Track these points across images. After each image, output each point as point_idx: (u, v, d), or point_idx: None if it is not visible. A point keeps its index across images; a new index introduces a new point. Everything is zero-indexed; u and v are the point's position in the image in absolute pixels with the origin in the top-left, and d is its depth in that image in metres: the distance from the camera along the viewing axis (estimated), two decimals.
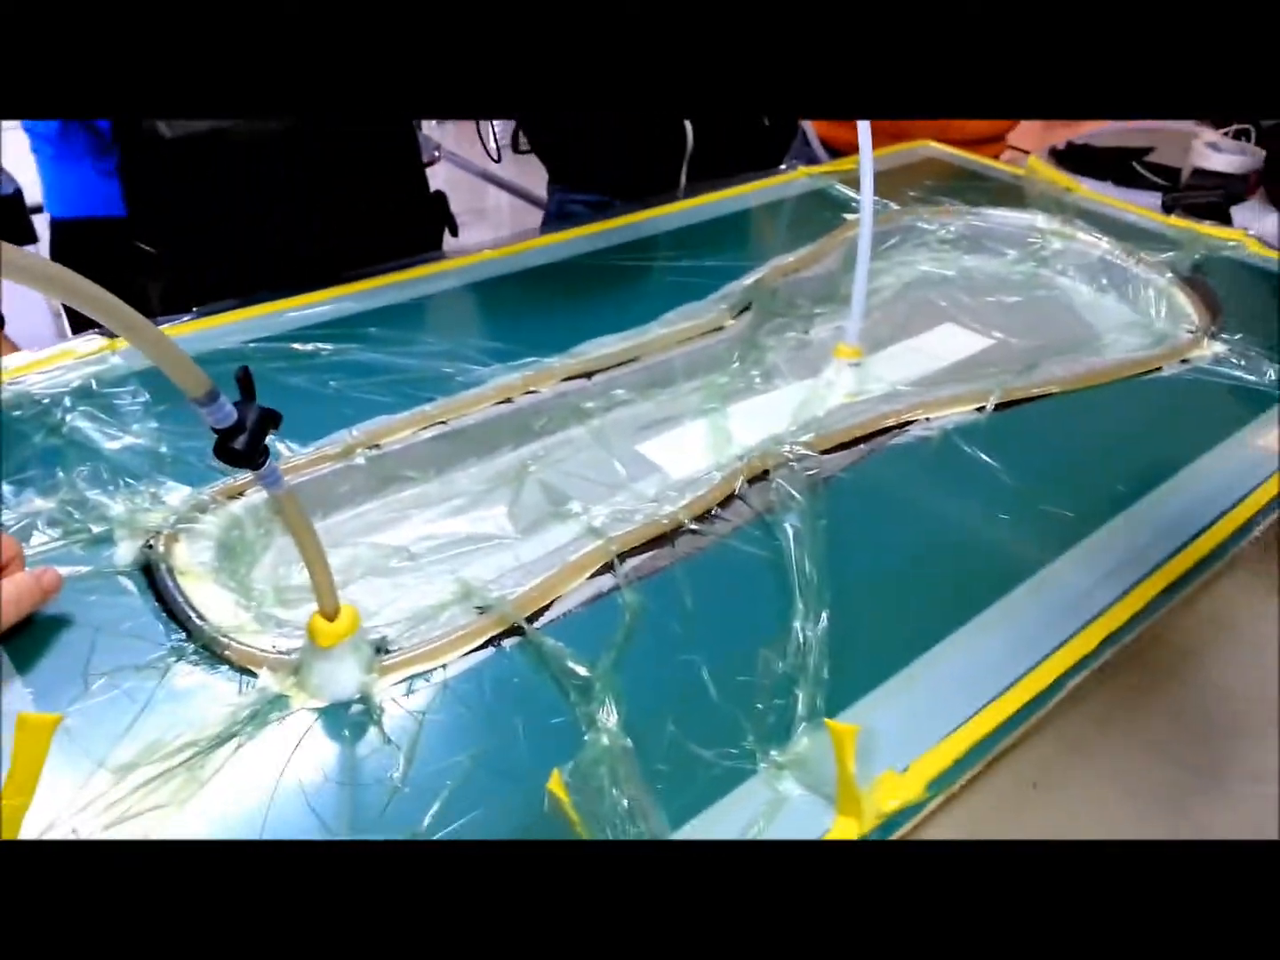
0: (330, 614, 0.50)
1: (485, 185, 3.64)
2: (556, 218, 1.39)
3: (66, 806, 0.44)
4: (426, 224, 1.16)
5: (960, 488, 0.69)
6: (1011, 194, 1.15)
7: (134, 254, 1.05)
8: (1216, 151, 1.42)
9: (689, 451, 0.78)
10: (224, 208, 0.95)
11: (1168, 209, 1.22)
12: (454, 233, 1.17)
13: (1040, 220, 1.07)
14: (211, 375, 0.76)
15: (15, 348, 1.01)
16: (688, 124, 1.25)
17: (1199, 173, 1.31)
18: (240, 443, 0.41)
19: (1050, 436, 0.75)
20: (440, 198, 1.16)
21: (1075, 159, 1.42)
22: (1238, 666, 0.61)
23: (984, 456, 0.71)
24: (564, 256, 0.98)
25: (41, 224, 1.59)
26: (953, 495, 0.68)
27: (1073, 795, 0.52)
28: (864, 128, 0.76)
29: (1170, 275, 0.96)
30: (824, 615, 0.55)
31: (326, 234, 1.02)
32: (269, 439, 0.43)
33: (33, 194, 2.23)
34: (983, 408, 0.76)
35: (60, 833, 0.43)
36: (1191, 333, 0.88)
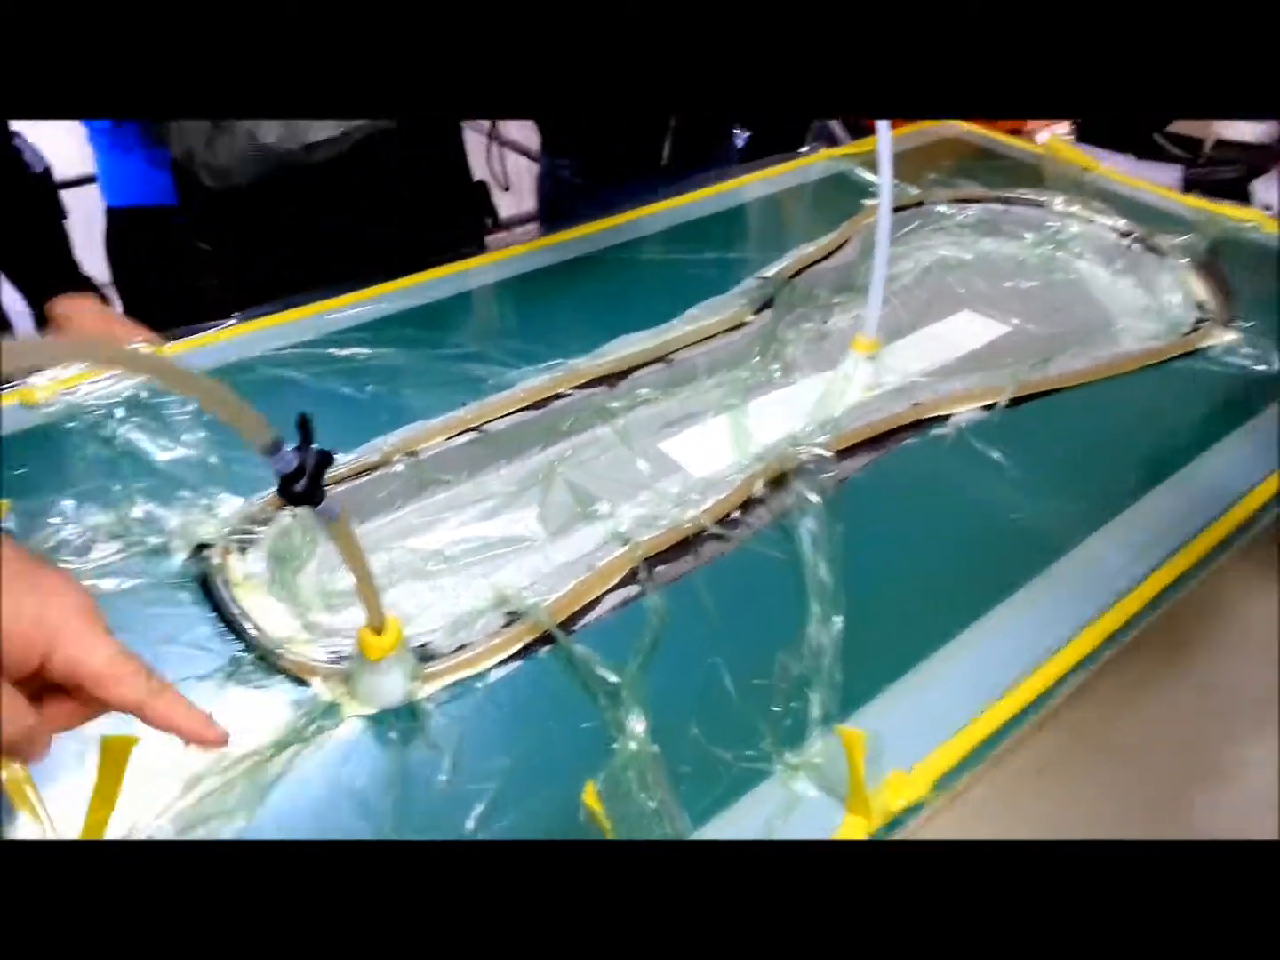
0: (378, 628, 0.53)
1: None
2: (548, 178, 1.42)
3: (142, 815, 0.48)
4: (469, 214, 1.18)
5: (971, 488, 0.71)
6: (1030, 173, 1.16)
7: (190, 249, 1.09)
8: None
9: (710, 449, 0.81)
10: (276, 206, 0.97)
11: (1188, 185, 1.22)
12: (495, 222, 1.20)
13: (1058, 203, 1.08)
14: (256, 381, 0.80)
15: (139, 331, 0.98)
16: None
17: (1221, 144, 1.31)
18: (301, 486, 0.44)
19: (1061, 433, 0.77)
20: (482, 188, 1.18)
21: (1096, 129, 1.42)
22: (1240, 657, 0.64)
23: (995, 455, 0.74)
24: (589, 251, 1.00)
25: (98, 211, 1.61)
26: (963, 496, 0.71)
27: (1076, 783, 0.55)
28: (884, 133, 0.77)
29: (1185, 260, 0.97)
30: (838, 619, 0.59)
31: (374, 226, 1.04)
32: None
33: (62, 171, 2.26)
34: (994, 404, 0.78)
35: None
36: (1203, 321, 0.89)
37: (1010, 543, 0.67)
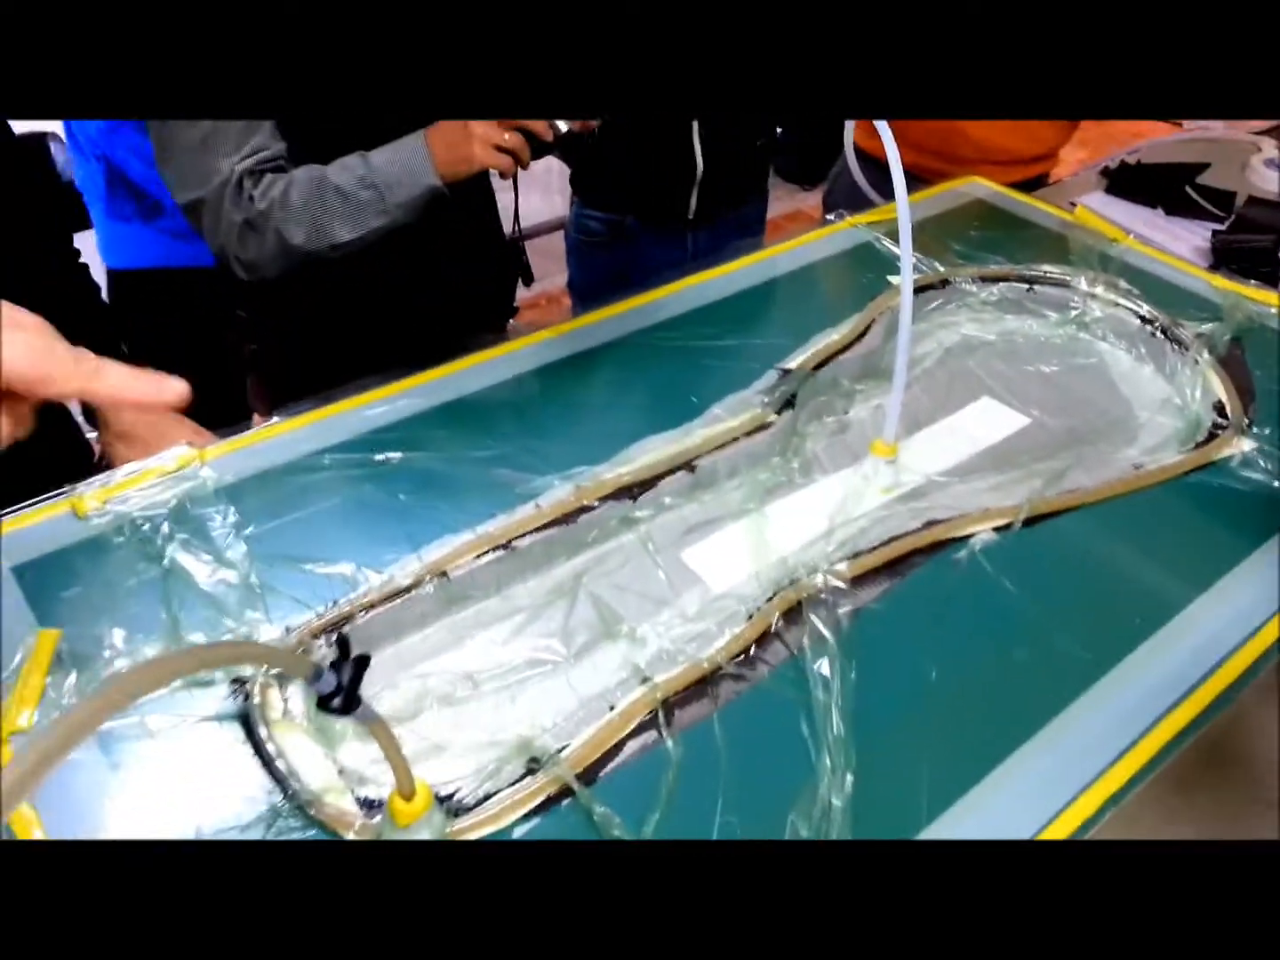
0: (408, 795, 0.57)
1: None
2: (575, 230, 1.46)
3: None
4: (504, 273, 1.20)
5: (983, 621, 0.74)
6: (1057, 244, 1.16)
7: (225, 315, 1.11)
8: (1273, 169, 1.40)
9: (729, 559, 0.83)
10: (315, 277, 0.99)
11: (1216, 253, 1.22)
12: (527, 282, 1.22)
13: (1082, 283, 1.08)
14: (294, 489, 0.83)
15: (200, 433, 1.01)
16: (698, 148, 1.30)
17: (1253, 202, 1.30)
18: (338, 702, 0.47)
19: (1072, 558, 0.79)
20: (515, 246, 1.20)
21: (1126, 181, 1.41)
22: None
23: (1007, 584, 0.76)
24: (613, 336, 1.02)
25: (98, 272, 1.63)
26: (975, 630, 0.73)
27: None
28: (904, 226, 0.78)
29: (1206, 355, 0.98)
30: (849, 778, 0.62)
31: (411, 290, 1.07)
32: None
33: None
34: (1010, 525, 0.80)
35: None
36: (1221, 428, 0.90)
37: (1020, 686, 0.69)
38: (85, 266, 1.10)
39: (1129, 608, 0.74)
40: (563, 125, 0.88)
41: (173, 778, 0.62)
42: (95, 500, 0.80)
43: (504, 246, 1.20)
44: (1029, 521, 0.81)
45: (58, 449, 1.06)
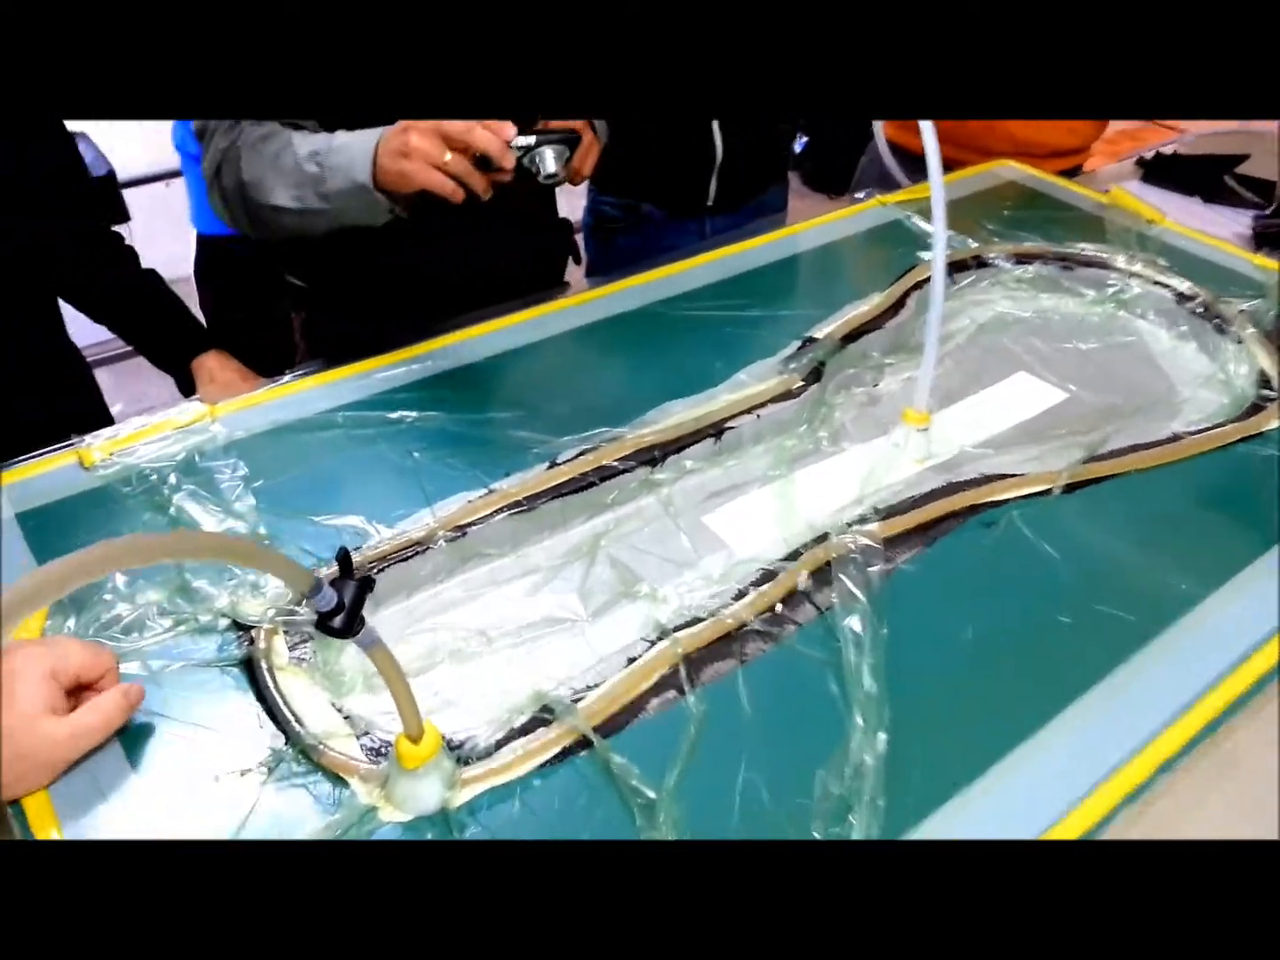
0: (415, 737, 0.54)
1: None
2: (591, 215, 1.44)
3: None
4: (556, 250, 1.18)
5: (1022, 585, 0.70)
6: (1092, 225, 1.13)
7: (282, 284, 1.10)
8: None
9: (755, 524, 0.80)
10: (371, 246, 0.96)
11: (1258, 238, 1.18)
12: (578, 260, 1.19)
13: (1120, 261, 1.05)
14: (309, 444, 0.81)
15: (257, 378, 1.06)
16: (717, 133, 1.26)
17: None
18: (339, 621, 0.44)
19: (1114, 524, 0.75)
20: (566, 225, 1.18)
21: (1163, 170, 1.38)
22: None
23: (1047, 548, 0.72)
24: (634, 306, 1.00)
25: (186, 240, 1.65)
26: (1013, 594, 0.69)
27: None
28: (939, 205, 0.76)
29: (1251, 330, 0.94)
30: (881, 736, 0.58)
31: (464, 266, 1.04)
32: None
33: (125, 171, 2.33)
34: (1049, 491, 0.77)
35: None
36: (1269, 400, 0.87)
37: (1061, 648, 0.65)
38: (132, 251, 1.12)
39: (1174, 575, 0.70)
40: (552, 164, 0.78)
41: (174, 722, 0.60)
42: (102, 452, 0.78)
43: (557, 224, 1.17)
44: (1069, 489, 0.78)
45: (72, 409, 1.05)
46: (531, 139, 0.77)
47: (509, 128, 0.75)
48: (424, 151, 0.75)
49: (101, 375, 1.17)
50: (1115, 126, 1.53)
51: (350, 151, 0.80)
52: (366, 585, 0.47)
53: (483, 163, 0.76)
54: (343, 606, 0.45)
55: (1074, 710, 0.61)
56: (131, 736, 0.58)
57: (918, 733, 0.59)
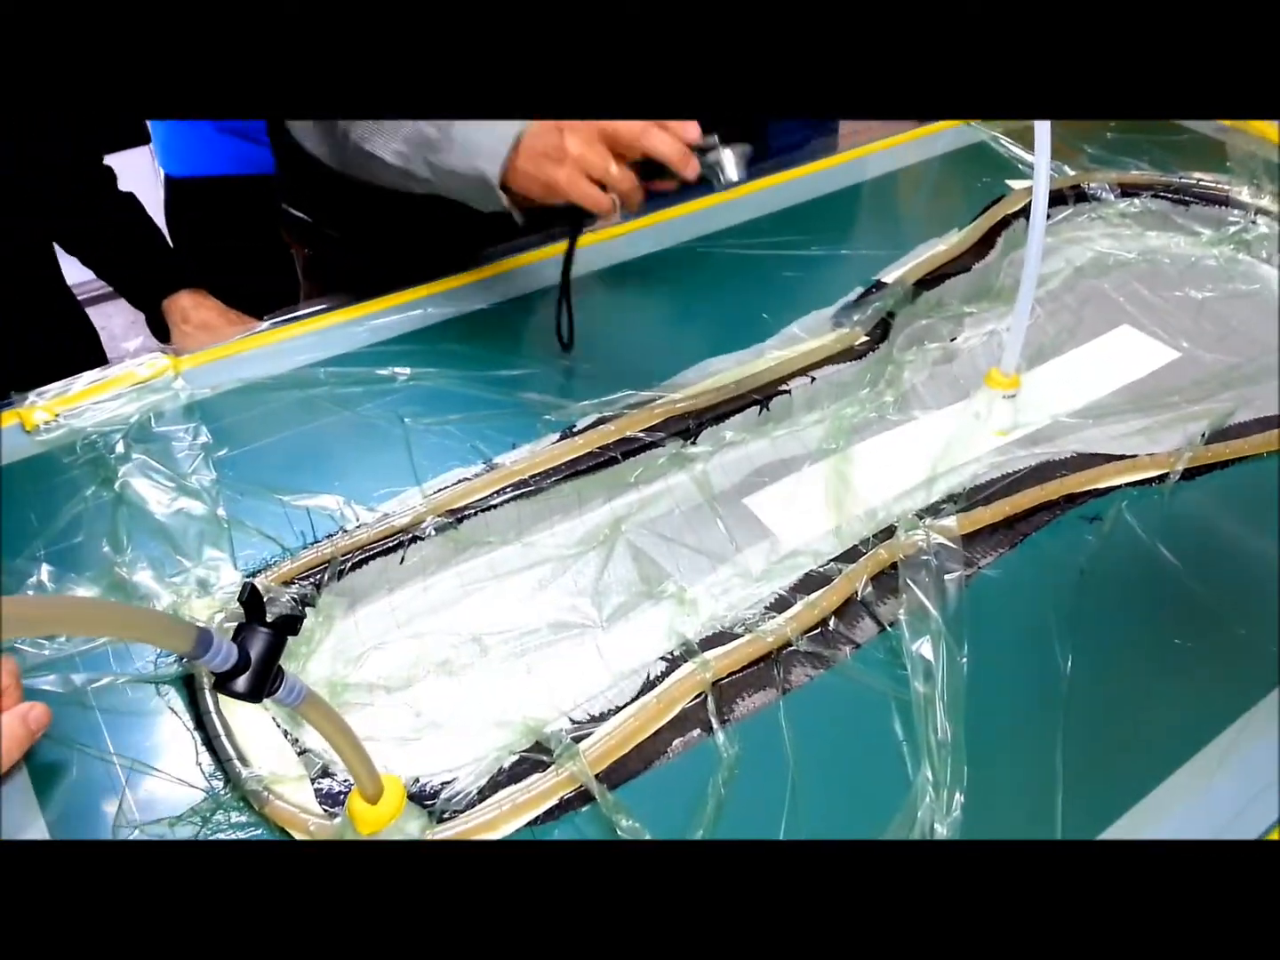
0: (372, 797, 0.43)
1: None
2: None
3: None
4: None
5: (1134, 597, 0.57)
6: (1212, 151, 0.97)
7: (283, 218, 0.99)
8: None
9: (805, 508, 0.67)
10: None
11: None
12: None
13: (1244, 194, 0.89)
14: (284, 408, 0.70)
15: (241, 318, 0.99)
16: None
17: None
18: (242, 683, 0.33)
19: (1250, 518, 0.62)
20: None
21: None
22: None
23: (1164, 551, 0.59)
24: (667, 245, 0.86)
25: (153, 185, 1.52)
26: (1124, 609, 0.57)
27: None
28: (1042, 134, 0.61)
29: None
30: (957, 798, 0.46)
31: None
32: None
33: None
34: (1164, 477, 0.63)
35: None
36: None
37: (1182, 690, 0.53)
38: (109, 170, 1.01)
39: None
40: (734, 170, 0.61)
41: (91, 755, 0.49)
42: (46, 412, 0.67)
43: None
44: (1189, 474, 0.64)
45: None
46: (713, 139, 0.61)
47: (692, 128, 0.60)
48: (587, 161, 0.61)
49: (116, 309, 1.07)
50: None
51: (479, 135, 0.65)
52: (286, 630, 0.35)
53: (648, 170, 0.61)
54: (248, 663, 0.33)
55: (1198, 762, 0.49)
56: (40, 772, 0.48)
57: (1002, 795, 0.47)
